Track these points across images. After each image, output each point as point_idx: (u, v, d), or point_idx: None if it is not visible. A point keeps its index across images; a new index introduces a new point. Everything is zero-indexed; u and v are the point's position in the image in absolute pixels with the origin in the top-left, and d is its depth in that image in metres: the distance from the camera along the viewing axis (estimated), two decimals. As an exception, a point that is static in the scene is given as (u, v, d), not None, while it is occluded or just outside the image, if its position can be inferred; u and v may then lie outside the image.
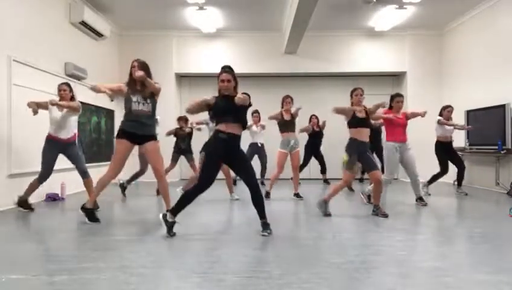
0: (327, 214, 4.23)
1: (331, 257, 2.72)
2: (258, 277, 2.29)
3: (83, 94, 6.76)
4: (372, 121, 5.59)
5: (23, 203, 4.54)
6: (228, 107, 3.29)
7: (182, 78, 9.12)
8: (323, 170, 7.86)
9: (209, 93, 3.49)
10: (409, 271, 2.42)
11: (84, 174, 4.68)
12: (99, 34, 7.20)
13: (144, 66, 3.85)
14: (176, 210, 3.30)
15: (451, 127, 5.91)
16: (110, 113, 7.99)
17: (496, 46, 6.68)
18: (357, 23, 8.15)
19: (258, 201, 3.38)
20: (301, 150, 7.10)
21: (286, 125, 5.48)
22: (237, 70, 9.55)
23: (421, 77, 8.61)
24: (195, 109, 3.39)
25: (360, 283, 2.21)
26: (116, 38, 8.39)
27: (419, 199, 5.00)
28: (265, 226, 3.38)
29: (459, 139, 7.10)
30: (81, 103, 6.58)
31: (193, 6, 7.08)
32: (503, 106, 6.26)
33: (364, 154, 4.26)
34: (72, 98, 4.71)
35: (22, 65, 5.08)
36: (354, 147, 4.24)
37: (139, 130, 3.85)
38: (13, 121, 4.87)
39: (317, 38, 8.49)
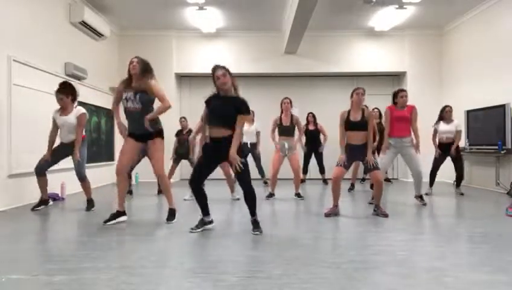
0: (328, 215, 4.24)
1: (331, 257, 2.72)
2: (258, 276, 2.29)
3: (82, 94, 6.78)
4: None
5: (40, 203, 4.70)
6: (218, 111, 3.35)
7: (182, 78, 9.12)
8: (322, 170, 7.85)
9: (209, 93, 3.50)
10: (409, 271, 2.42)
11: (82, 179, 4.69)
12: (99, 34, 7.20)
13: (144, 64, 3.74)
14: (202, 212, 3.52)
15: (447, 128, 5.93)
16: (110, 113, 7.99)
17: (496, 46, 6.68)
18: (357, 23, 8.15)
19: (248, 200, 3.41)
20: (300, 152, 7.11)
21: (284, 130, 5.52)
22: (237, 70, 9.54)
23: (421, 77, 8.61)
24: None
25: (360, 283, 2.21)
26: (116, 38, 8.39)
27: (419, 197, 5.00)
28: (256, 224, 3.42)
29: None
30: (81, 102, 6.65)
31: (193, 6, 7.08)
32: (503, 106, 6.26)
33: (361, 157, 4.26)
34: (74, 100, 4.65)
35: (22, 65, 5.07)
36: (345, 150, 4.28)
37: (136, 129, 3.79)
38: (13, 121, 4.87)
39: (317, 38, 8.49)
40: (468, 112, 7.19)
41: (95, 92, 7.31)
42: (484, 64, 7.00)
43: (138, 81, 3.72)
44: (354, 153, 4.26)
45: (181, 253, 2.90)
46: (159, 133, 3.90)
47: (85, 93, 6.88)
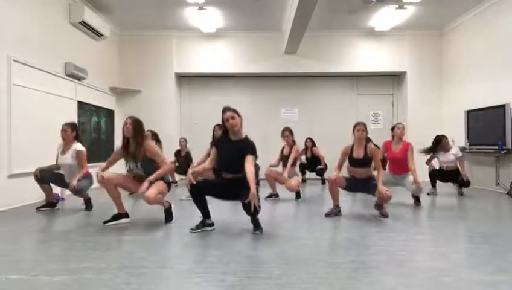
0: (328, 215, 4.23)
1: (331, 257, 2.72)
2: (258, 277, 2.28)
3: (83, 94, 6.78)
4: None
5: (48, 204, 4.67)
6: (228, 157, 3.35)
7: (182, 78, 9.11)
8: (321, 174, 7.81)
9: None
10: (409, 271, 2.42)
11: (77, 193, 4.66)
12: (99, 34, 7.19)
13: (136, 126, 3.69)
14: (203, 215, 3.51)
15: (445, 159, 6.00)
16: (110, 113, 7.99)
17: (495, 46, 6.67)
18: (357, 23, 8.14)
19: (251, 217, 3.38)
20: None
21: (284, 159, 5.56)
22: (237, 70, 9.47)
23: (421, 77, 8.60)
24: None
25: (360, 283, 2.21)
26: (116, 38, 8.38)
27: (416, 198, 4.99)
28: (256, 224, 3.40)
29: (459, 139, 7.09)
30: (81, 102, 6.67)
31: (193, 6, 7.08)
32: (503, 106, 6.26)
33: (363, 187, 4.25)
34: (75, 138, 4.63)
35: (22, 65, 5.07)
36: (348, 180, 4.28)
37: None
38: (13, 121, 4.86)
39: (317, 38, 8.48)
40: (468, 112, 7.18)
41: (95, 92, 7.31)
42: (484, 64, 6.98)
43: (136, 146, 3.68)
44: (358, 185, 4.28)
45: (181, 253, 2.90)
46: (166, 182, 3.84)
47: (85, 94, 6.89)
